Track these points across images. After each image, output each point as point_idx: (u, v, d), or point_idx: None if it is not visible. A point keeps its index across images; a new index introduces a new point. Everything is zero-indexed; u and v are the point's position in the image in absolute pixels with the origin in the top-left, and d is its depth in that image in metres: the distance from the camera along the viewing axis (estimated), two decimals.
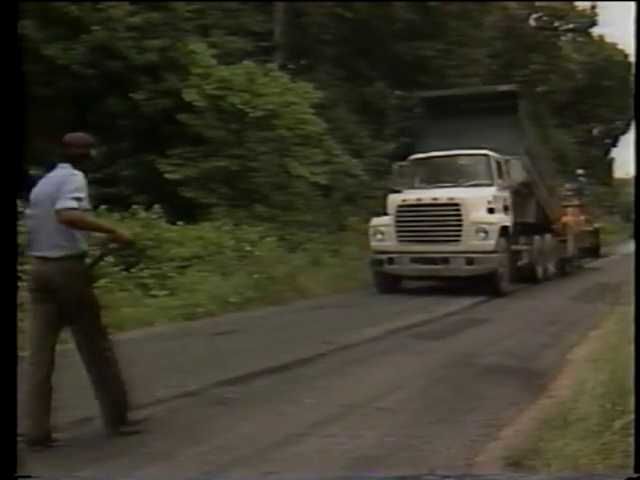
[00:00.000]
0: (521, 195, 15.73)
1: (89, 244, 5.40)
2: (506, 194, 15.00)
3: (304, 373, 7.44)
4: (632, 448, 3.47)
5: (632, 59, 27.60)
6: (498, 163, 15.08)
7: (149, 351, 9.11)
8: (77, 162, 5.22)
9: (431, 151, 15.53)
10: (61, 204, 4.81)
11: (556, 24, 47.55)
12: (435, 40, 30.47)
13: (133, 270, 12.65)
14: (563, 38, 49.19)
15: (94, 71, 17.63)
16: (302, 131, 19.72)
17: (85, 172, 5.20)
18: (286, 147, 19.92)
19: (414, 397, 6.32)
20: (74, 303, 5.03)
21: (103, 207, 13.98)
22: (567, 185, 23.61)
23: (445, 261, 14.18)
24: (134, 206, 14.33)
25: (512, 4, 40.88)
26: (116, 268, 12.33)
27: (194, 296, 12.38)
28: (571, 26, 48.96)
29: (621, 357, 5.18)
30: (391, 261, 14.68)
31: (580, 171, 34.24)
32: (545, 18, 46.44)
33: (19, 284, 4.16)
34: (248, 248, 15.32)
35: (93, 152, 5.50)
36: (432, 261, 14.30)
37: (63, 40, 17.41)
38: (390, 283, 14.96)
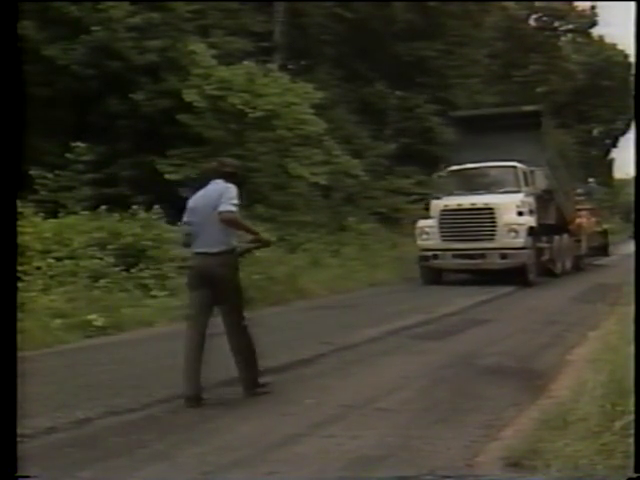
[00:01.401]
0: (543, 200, 17.77)
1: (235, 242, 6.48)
2: (531, 199, 17.17)
3: (304, 373, 7.44)
4: (632, 448, 3.47)
5: (632, 59, 27.60)
6: (524, 173, 17.38)
7: (149, 352, 9.12)
8: (228, 179, 6.40)
9: (465, 163, 17.83)
10: (223, 207, 6.09)
11: (556, 24, 47.60)
12: (435, 40, 30.48)
13: (133, 270, 12.65)
14: (563, 38, 49.26)
15: (94, 71, 17.63)
16: (302, 131, 19.73)
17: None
18: (286, 147, 19.94)
19: (414, 397, 6.31)
20: (227, 287, 6.29)
21: (103, 207, 14.02)
22: (579, 190, 25.33)
23: (482, 256, 16.64)
24: (134, 206, 14.32)
25: (512, 4, 40.90)
26: (116, 268, 12.34)
27: None
28: (571, 26, 49.01)
29: (621, 358, 5.18)
30: (435, 257, 17.12)
31: (591, 179, 35.71)
32: (545, 18, 46.49)
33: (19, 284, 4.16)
34: None
35: (239, 172, 6.82)
36: (471, 256, 16.74)
37: (63, 40, 17.43)
38: (434, 276, 17.34)
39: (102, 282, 11.71)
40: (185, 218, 6.47)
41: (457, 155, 18.89)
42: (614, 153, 56.99)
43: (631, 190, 6.45)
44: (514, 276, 16.28)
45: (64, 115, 18.19)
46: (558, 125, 42.92)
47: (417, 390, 6.58)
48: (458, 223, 16.91)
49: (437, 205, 17.51)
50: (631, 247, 5.64)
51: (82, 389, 6.69)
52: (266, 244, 7.35)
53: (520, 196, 16.96)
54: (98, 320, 10.24)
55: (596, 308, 11.23)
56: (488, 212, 16.64)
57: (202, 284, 6.27)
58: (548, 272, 18.09)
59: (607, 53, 50.11)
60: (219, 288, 6.23)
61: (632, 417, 3.73)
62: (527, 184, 17.30)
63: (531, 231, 16.76)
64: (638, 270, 3.85)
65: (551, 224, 18.44)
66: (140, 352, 9.09)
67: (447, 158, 20.09)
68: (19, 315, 4.11)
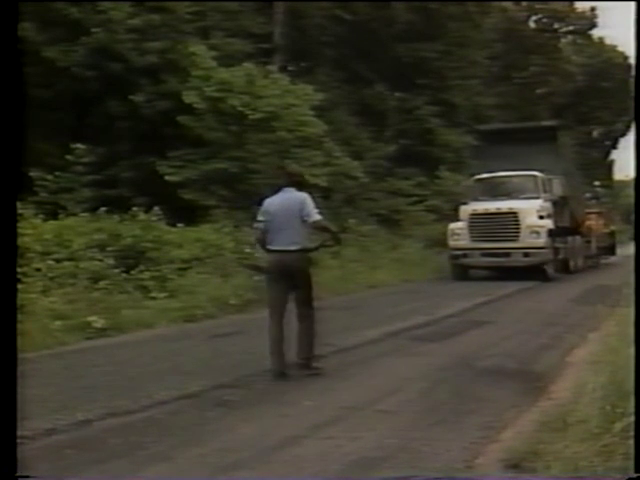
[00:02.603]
0: (559, 205, 19.80)
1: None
2: (549, 205, 19.27)
3: (304, 375, 7.43)
4: (632, 450, 3.47)
5: (632, 61, 27.86)
6: (543, 181, 19.43)
7: (149, 353, 9.12)
8: (297, 186, 7.53)
9: (489, 172, 19.90)
10: (315, 217, 7.33)
11: (556, 26, 47.55)
12: (435, 42, 30.48)
13: (133, 272, 12.65)
14: (563, 40, 49.19)
15: (94, 73, 17.65)
16: (302, 133, 19.73)
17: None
18: (286, 149, 19.92)
19: (414, 399, 6.31)
20: (302, 279, 7.38)
21: (103, 209, 14.02)
22: (588, 194, 27.69)
23: (507, 255, 18.70)
24: (134, 208, 14.33)
25: (512, 6, 40.91)
26: (116, 270, 12.34)
27: (194, 298, 12.38)
28: (571, 28, 48.94)
29: (621, 359, 5.17)
30: (465, 255, 19.20)
31: (597, 182, 38.22)
32: (545, 20, 46.45)
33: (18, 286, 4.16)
34: (248, 250, 15.29)
35: (304, 180, 8.12)
36: (497, 255, 18.79)
37: (63, 42, 17.44)
38: (463, 272, 19.45)
39: (102, 284, 11.72)
40: (260, 219, 7.51)
41: (482, 164, 20.71)
42: (614, 154, 56.98)
43: (631, 192, 6.46)
44: (535, 273, 18.40)
45: (64, 117, 18.22)
46: (558, 127, 43.04)
47: (417, 392, 6.58)
48: (485, 225, 19.03)
49: (466, 210, 19.56)
50: (631, 249, 5.67)
51: (82, 391, 6.69)
52: (339, 242, 8.38)
53: (540, 202, 19.01)
54: (98, 322, 10.25)
55: (596, 309, 11.22)
56: (512, 216, 18.74)
57: (281, 276, 7.32)
58: (563, 269, 20.05)
59: (607, 55, 50.05)
60: (295, 280, 7.33)
61: (632, 419, 3.73)
62: (545, 191, 19.32)
63: (550, 233, 18.80)
64: (638, 271, 3.85)
65: (565, 226, 20.38)
66: (140, 353, 9.09)
67: (472, 167, 22.08)
68: (19, 317, 4.10)
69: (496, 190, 19.72)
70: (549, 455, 4.12)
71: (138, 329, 10.73)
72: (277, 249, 7.34)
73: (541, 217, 18.85)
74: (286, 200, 7.40)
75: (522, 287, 16.84)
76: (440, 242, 24.19)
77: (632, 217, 5.87)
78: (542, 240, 18.51)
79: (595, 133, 54.88)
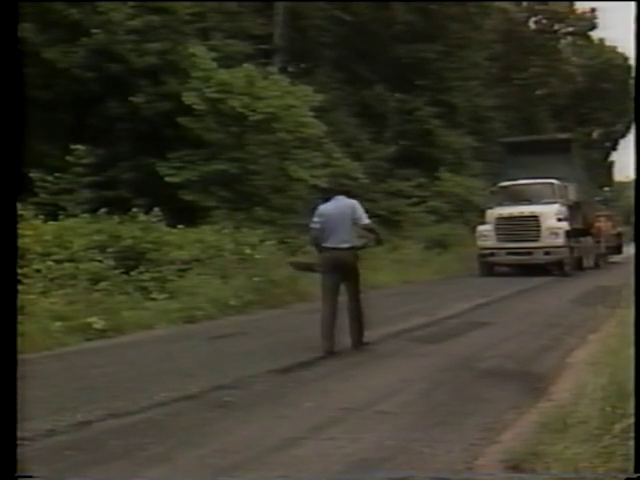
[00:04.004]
0: (573, 209, 22.08)
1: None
2: (565, 209, 21.58)
3: (304, 376, 7.44)
4: (632, 451, 3.46)
5: (632, 62, 28.19)
6: (559, 188, 21.80)
7: (149, 354, 9.12)
8: (347, 194, 8.97)
9: (511, 180, 22.34)
10: (365, 220, 8.72)
11: (556, 27, 47.56)
12: (435, 43, 30.52)
13: (133, 273, 12.64)
14: (563, 41, 49.21)
15: (94, 74, 17.66)
16: (302, 134, 19.74)
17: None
18: (286, 150, 19.94)
19: (414, 400, 6.31)
20: (351, 272, 8.72)
21: (103, 210, 14.02)
22: (597, 198, 30.15)
23: (529, 253, 21.06)
24: (134, 209, 14.32)
25: (512, 7, 40.90)
26: (116, 271, 12.33)
27: (194, 299, 12.38)
28: (571, 29, 48.94)
29: (621, 360, 5.17)
30: (492, 254, 21.56)
31: (606, 188, 40.62)
32: (545, 21, 46.45)
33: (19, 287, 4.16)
34: (248, 251, 15.31)
35: (352, 189, 10.03)
36: (520, 253, 21.11)
37: (63, 43, 17.45)
38: (489, 269, 21.71)
39: (102, 285, 11.71)
40: (316, 220, 8.81)
41: (505, 173, 23.32)
42: (614, 156, 56.98)
43: (631, 193, 6.47)
44: (555, 268, 20.88)
45: (64, 118, 18.22)
46: (558, 128, 43.10)
47: (417, 393, 6.58)
48: (510, 227, 21.37)
49: (492, 214, 22.01)
50: (631, 249, 5.72)
51: (82, 392, 6.68)
52: (381, 242, 9.56)
53: (557, 206, 21.37)
54: (98, 323, 10.24)
55: (596, 311, 11.21)
56: (534, 219, 21.16)
57: (334, 269, 8.65)
58: (577, 267, 22.28)
59: (607, 56, 50.06)
60: (347, 272, 8.68)
61: (632, 420, 3.73)
62: (561, 197, 21.67)
63: (567, 234, 21.16)
64: (638, 273, 3.85)
65: (579, 228, 22.58)
66: (140, 355, 9.09)
67: (497, 175, 24.59)
68: (19, 318, 4.10)
69: (518, 196, 21.97)
70: (549, 456, 4.11)
71: (138, 330, 10.73)
72: (331, 246, 8.65)
73: (559, 220, 21.18)
74: (339, 205, 8.75)
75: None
76: (440, 243, 24.34)
77: (632, 218, 5.87)
78: (560, 240, 20.85)
79: (595, 134, 54.86)
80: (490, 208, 22.29)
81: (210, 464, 4.60)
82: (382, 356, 8.53)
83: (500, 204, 21.98)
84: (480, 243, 21.96)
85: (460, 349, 8.96)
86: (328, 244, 8.68)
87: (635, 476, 3.29)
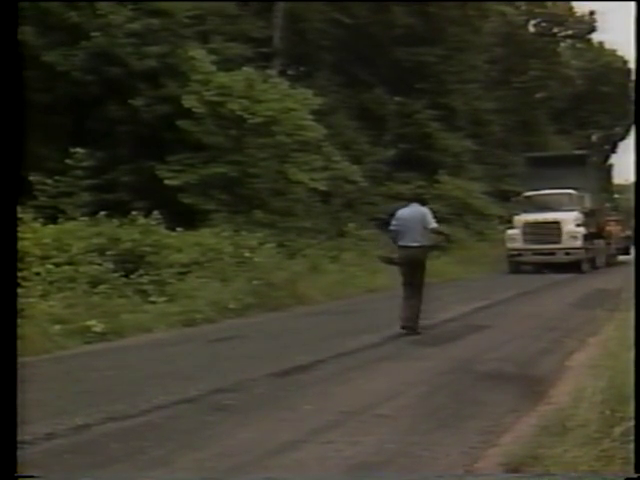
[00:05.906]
0: (588, 215, 24.90)
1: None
2: (582, 216, 24.49)
3: (303, 379, 7.43)
4: (632, 454, 3.46)
5: (631, 65, 28.60)
6: (577, 197, 24.74)
7: (148, 357, 9.12)
8: (419, 202, 10.83)
9: (534, 190, 25.02)
10: (433, 225, 10.48)
11: (555, 30, 47.51)
12: (434, 46, 30.50)
13: (132, 276, 12.63)
14: (562, 44, 49.16)
15: (94, 77, 17.66)
16: (301, 137, 19.72)
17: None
18: (285, 153, 19.93)
19: (414, 403, 6.31)
20: (420, 267, 10.41)
21: (103, 213, 14.02)
22: (608, 205, 32.21)
23: (552, 254, 24.02)
24: (133, 212, 14.32)
25: (511, 10, 40.89)
26: (115, 274, 12.33)
27: (193, 302, 12.38)
28: (570, 32, 48.90)
29: (621, 363, 5.17)
30: (520, 255, 24.50)
31: (617, 195, 42.01)
32: (544, 24, 46.40)
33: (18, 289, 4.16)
34: (247, 254, 15.31)
35: (424, 199, 11.93)
36: (544, 254, 24.05)
37: (63, 46, 17.45)
38: (517, 267, 24.48)
39: (101, 288, 11.70)
40: (394, 223, 10.57)
41: (529, 184, 25.88)
42: (613, 159, 56.92)
43: (630, 196, 6.48)
44: (573, 267, 23.33)
45: (64, 121, 18.22)
46: (557, 131, 43.08)
47: (416, 396, 6.57)
48: (535, 231, 24.30)
49: (519, 219, 24.96)
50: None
51: (81, 395, 6.68)
52: (448, 242, 11.97)
53: (575, 213, 24.34)
54: (97, 326, 10.24)
55: (595, 314, 11.21)
56: (556, 224, 24.23)
57: (408, 264, 10.39)
58: (591, 266, 24.73)
59: (606, 59, 50.02)
60: (415, 266, 10.36)
61: (632, 423, 3.73)
62: (578, 205, 24.62)
63: (584, 237, 24.10)
64: (638, 276, 3.85)
65: (593, 232, 25.31)
66: (139, 358, 9.09)
67: (522, 186, 27.00)
68: (18, 321, 4.10)
69: (541, 204, 24.80)
70: (548, 459, 4.11)
71: (137, 333, 10.73)
72: (405, 245, 10.35)
73: (577, 225, 24.27)
74: (413, 211, 10.51)
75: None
76: (439, 244, 24.28)
77: (632, 221, 5.88)
78: (579, 242, 23.98)
79: (594, 137, 54.82)
80: (517, 214, 25.24)
81: (209, 467, 4.60)
82: (381, 359, 8.53)
83: (526, 211, 24.91)
84: (509, 245, 24.97)
85: (463, 350, 8.95)
86: (402, 243, 10.38)
87: (635, 476, 3.30)
